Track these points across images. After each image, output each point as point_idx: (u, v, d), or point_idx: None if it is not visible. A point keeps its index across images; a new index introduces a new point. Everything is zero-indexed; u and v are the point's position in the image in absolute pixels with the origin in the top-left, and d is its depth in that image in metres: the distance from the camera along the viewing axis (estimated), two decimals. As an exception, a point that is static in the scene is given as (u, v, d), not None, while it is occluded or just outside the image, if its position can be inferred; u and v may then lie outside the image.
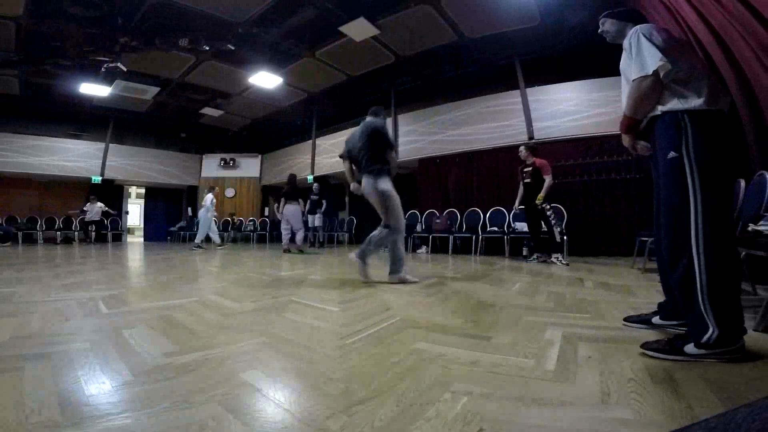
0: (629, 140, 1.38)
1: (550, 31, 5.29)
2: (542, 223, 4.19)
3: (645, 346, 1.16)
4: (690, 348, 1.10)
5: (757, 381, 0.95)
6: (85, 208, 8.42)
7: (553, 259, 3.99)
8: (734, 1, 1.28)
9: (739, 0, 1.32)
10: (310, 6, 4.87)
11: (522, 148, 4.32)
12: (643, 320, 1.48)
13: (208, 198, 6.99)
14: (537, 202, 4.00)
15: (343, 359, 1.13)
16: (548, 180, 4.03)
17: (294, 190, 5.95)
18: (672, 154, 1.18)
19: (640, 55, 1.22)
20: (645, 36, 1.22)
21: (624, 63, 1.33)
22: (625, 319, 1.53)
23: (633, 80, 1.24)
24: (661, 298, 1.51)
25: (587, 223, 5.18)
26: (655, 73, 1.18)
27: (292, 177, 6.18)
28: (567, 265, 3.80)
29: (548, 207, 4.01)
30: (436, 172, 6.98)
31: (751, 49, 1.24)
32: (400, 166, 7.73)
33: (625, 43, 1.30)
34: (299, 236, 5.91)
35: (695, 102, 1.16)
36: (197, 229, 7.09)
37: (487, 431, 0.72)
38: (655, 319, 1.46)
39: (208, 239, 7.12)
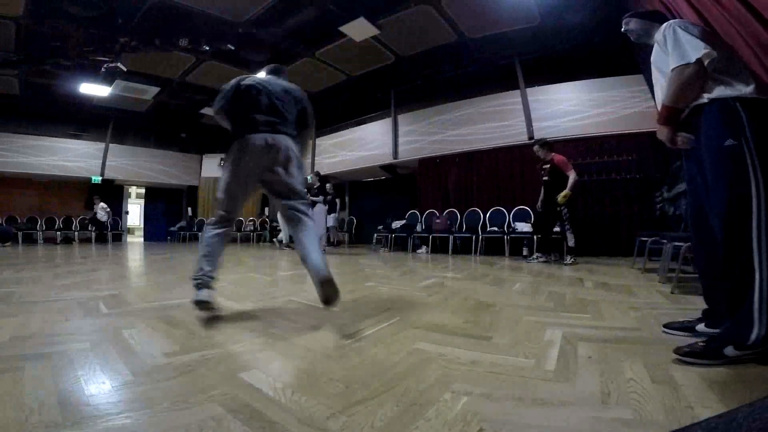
0: (668, 132, 1.31)
1: (550, 31, 5.27)
2: (554, 224, 4.14)
3: (678, 351, 1.09)
4: (730, 350, 1.05)
5: (758, 381, 0.95)
6: (98, 210, 8.61)
7: (567, 261, 3.95)
8: (734, 1, 1.28)
9: (738, 0, 1.32)
10: (310, 6, 4.86)
11: (536, 146, 4.20)
12: (686, 327, 1.36)
13: None
14: (560, 201, 3.88)
15: (343, 359, 1.13)
16: (572, 176, 3.87)
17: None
18: (730, 141, 1.12)
19: (679, 46, 1.22)
20: (681, 28, 1.24)
21: (657, 57, 1.35)
22: (665, 326, 1.41)
23: (673, 69, 1.23)
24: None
25: (587, 223, 5.17)
26: (699, 61, 1.17)
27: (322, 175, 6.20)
28: (573, 262, 3.85)
29: (565, 210, 3.96)
30: (436, 172, 6.98)
31: (751, 49, 1.24)
32: (400, 166, 7.86)
33: (659, 37, 1.32)
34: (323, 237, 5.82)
35: (745, 90, 1.14)
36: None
37: (487, 431, 0.72)
38: (700, 327, 1.34)
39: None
